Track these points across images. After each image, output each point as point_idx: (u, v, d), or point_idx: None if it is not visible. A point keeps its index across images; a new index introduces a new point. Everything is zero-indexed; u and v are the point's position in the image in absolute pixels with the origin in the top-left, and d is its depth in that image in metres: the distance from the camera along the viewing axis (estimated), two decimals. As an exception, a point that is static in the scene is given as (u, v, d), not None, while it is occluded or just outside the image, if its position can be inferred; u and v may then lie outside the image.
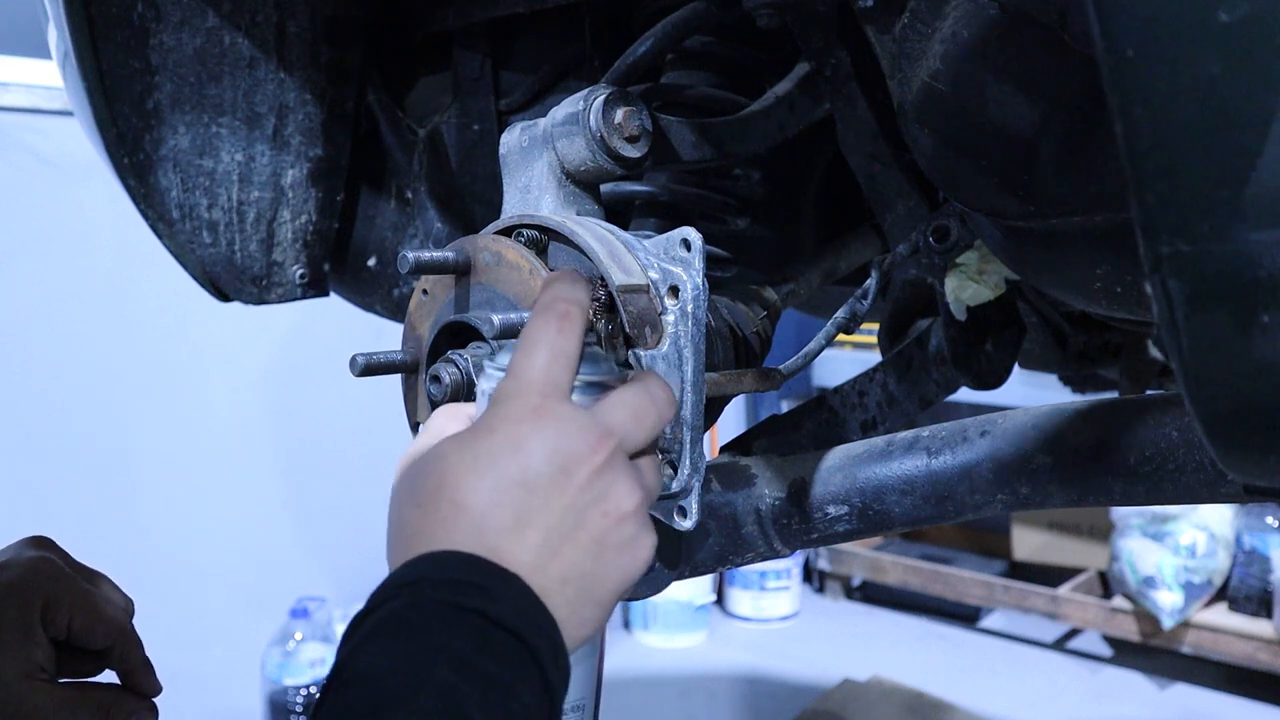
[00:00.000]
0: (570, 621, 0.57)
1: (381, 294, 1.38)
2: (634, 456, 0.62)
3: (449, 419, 0.66)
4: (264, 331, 2.85)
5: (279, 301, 1.29)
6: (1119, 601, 3.42)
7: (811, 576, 4.24)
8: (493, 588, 0.54)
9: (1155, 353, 1.51)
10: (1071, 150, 0.71)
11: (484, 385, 0.65)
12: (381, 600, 0.54)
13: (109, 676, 0.86)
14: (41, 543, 0.84)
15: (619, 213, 1.05)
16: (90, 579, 0.84)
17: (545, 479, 0.57)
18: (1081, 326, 1.34)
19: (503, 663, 0.52)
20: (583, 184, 0.84)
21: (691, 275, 0.72)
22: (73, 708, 0.79)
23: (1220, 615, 3.26)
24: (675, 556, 0.95)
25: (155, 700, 0.86)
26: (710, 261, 1.03)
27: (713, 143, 0.95)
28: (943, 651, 3.63)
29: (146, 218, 1.18)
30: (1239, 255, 0.44)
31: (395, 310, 1.38)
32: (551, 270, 0.73)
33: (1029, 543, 3.90)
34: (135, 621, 0.87)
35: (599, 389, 0.64)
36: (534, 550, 0.56)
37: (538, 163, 0.84)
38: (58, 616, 0.80)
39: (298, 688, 2.81)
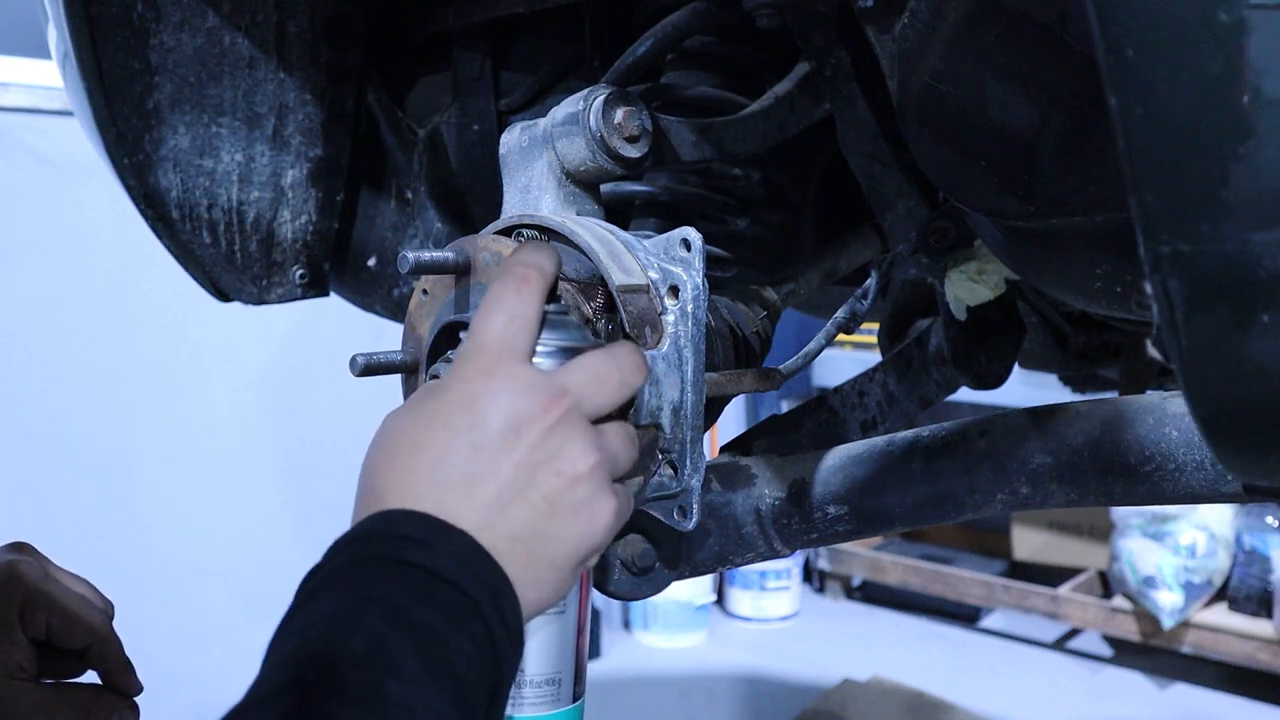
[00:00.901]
0: (523, 580, 0.57)
1: (381, 294, 1.38)
2: (600, 422, 0.62)
3: (425, 392, 0.67)
4: (264, 331, 2.85)
5: (279, 301, 1.29)
6: (1119, 601, 3.42)
7: (811, 576, 4.24)
8: (436, 542, 0.55)
9: (1155, 353, 1.51)
10: (1071, 150, 0.71)
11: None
12: (330, 557, 0.55)
13: (91, 677, 0.86)
14: (20, 547, 0.84)
15: (619, 213, 1.05)
16: (69, 581, 0.85)
17: (496, 437, 0.57)
18: (1081, 326, 1.34)
19: (441, 613, 0.52)
20: (583, 184, 0.84)
21: (691, 275, 0.72)
22: (53, 707, 0.80)
23: (1220, 615, 3.26)
24: (675, 556, 0.95)
25: (136, 699, 0.87)
26: (710, 261, 1.03)
27: (713, 143, 0.95)
28: (943, 651, 3.63)
29: (146, 218, 1.18)
30: (1239, 255, 0.44)
31: (395, 310, 1.38)
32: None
33: (1029, 543, 3.90)
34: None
35: (567, 354, 0.64)
36: (484, 507, 0.57)
37: (538, 163, 0.84)
38: (37, 617, 0.80)
39: (298, 688, 2.81)
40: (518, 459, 0.58)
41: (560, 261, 0.67)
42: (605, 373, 0.62)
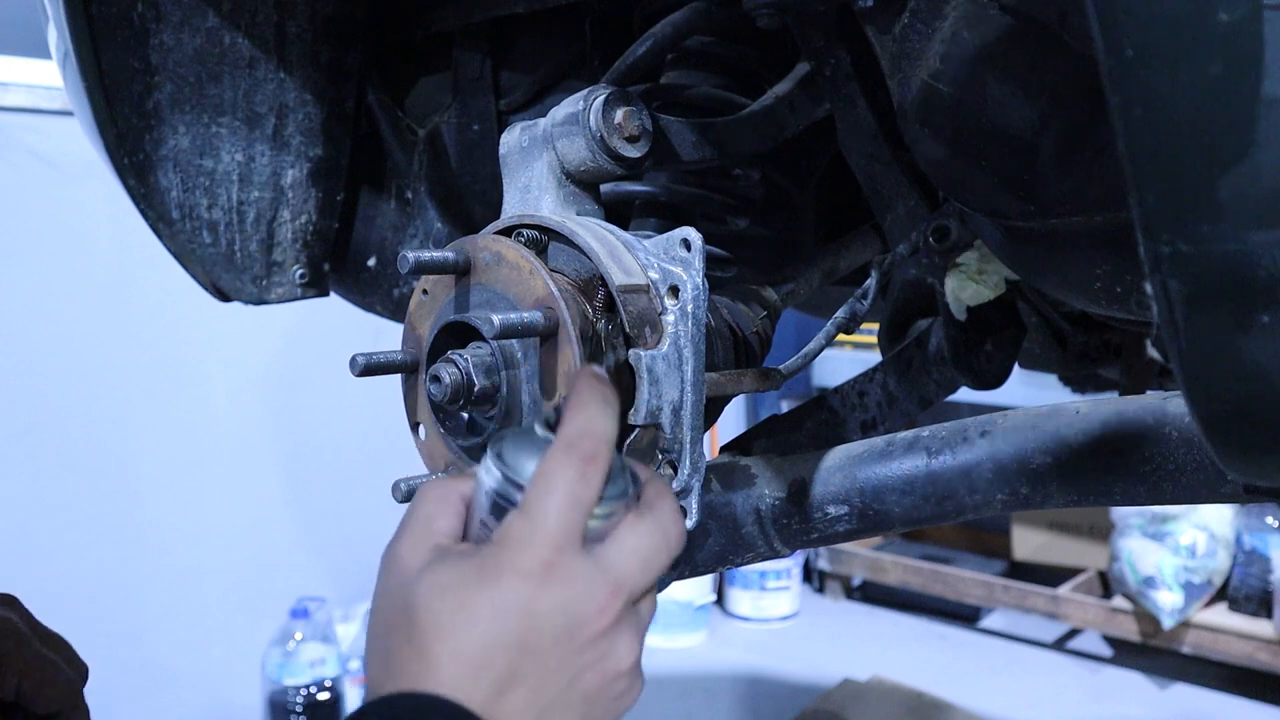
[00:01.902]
0: None
1: (381, 294, 1.38)
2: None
3: (441, 504, 0.62)
4: (264, 331, 2.85)
5: (279, 301, 1.29)
6: (1119, 601, 3.42)
7: (811, 576, 4.24)
8: None
9: (1155, 353, 1.51)
10: (1071, 150, 0.71)
11: (486, 480, 0.60)
12: None
13: None
14: (5, 601, 0.84)
15: (619, 213, 1.05)
16: (48, 642, 0.84)
17: (548, 640, 0.56)
18: (1081, 326, 1.34)
19: None
20: (583, 184, 0.84)
21: (691, 275, 0.72)
22: None
23: (1220, 615, 3.26)
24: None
25: None
26: (710, 261, 1.03)
27: (713, 143, 0.95)
28: (943, 651, 3.63)
29: (146, 218, 1.18)
30: (1239, 255, 0.44)
31: (395, 310, 1.38)
32: (552, 270, 0.73)
33: (1029, 543, 3.90)
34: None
35: (609, 516, 0.60)
36: (522, 707, 0.56)
37: (538, 163, 0.84)
38: (8, 678, 0.80)
39: (298, 688, 2.81)
40: (566, 660, 0.56)
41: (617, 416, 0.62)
42: (655, 554, 0.60)
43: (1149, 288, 0.47)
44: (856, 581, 4.16)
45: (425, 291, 0.78)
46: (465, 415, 0.77)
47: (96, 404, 2.68)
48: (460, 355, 0.73)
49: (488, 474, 0.60)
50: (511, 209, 0.85)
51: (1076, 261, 0.79)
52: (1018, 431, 0.85)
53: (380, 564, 0.62)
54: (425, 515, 0.61)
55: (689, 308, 0.71)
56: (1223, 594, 3.33)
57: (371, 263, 1.35)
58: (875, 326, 1.20)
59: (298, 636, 2.85)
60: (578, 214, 0.83)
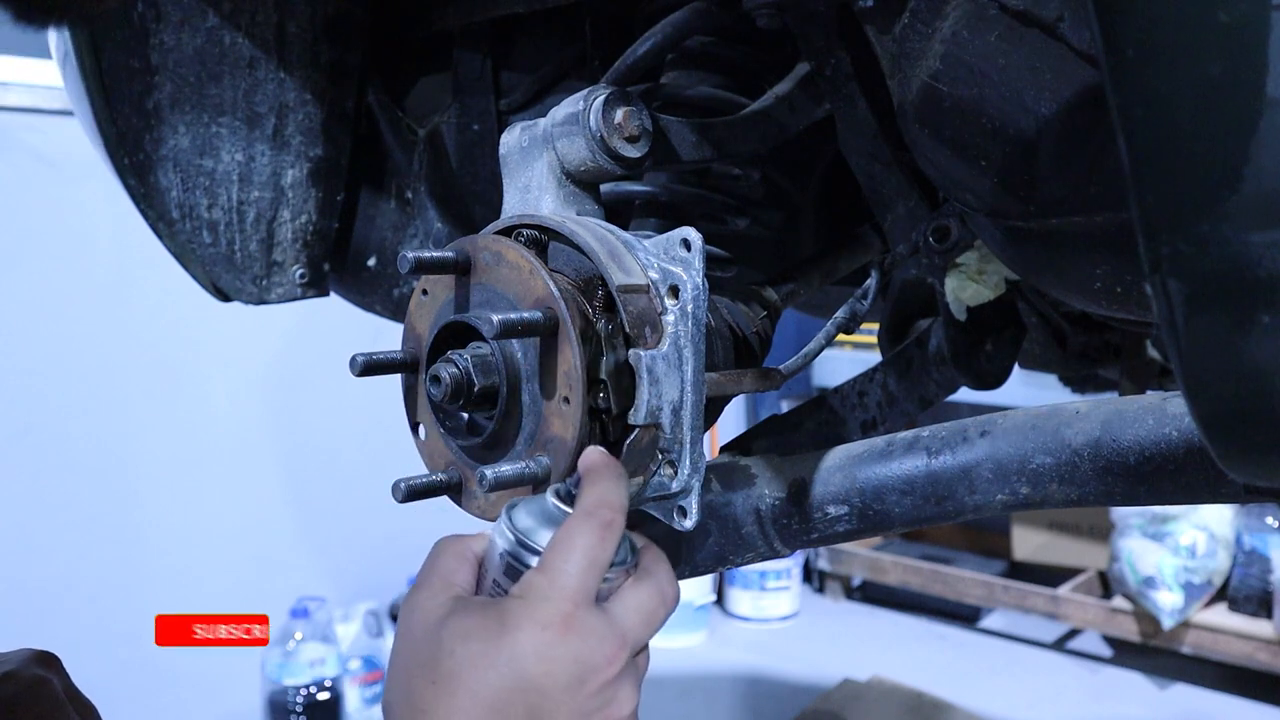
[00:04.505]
0: None
1: (381, 294, 1.38)
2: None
3: (458, 559, 0.68)
4: (264, 331, 2.86)
5: (279, 301, 1.29)
6: (1119, 601, 3.42)
7: (811, 576, 4.24)
8: None
9: (1155, 353, 1.52)
10: (1071, 150, 0.71)
11: (500, 542, 0.67)
12: None
13: None
14: (47, 661, 0.84)
15: (619, 213, 1.05)
16: (82, 711, 0.85)
17: (561, 686, 0.61)
18: (1081, 326, 1.34)
19: None
20: (583, 184, 0.84)
21: (691, 275, 0.72)
22: None
23: (1220, 615, 3.26)
24: (675, 556, 0.95)
25: None
26: (710, 261, 1.03)
27: (713, 143, 0.94)
28: (943, 651, 3.63)
29: (146, 218, 1.18)
30: (1239, 255, 0.44)
31: (395, 310, 1.38)
32: (552, 270, 0.73)
33: (1029, 543, 3.90)
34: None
35: (612, 578, 0.67)
36: None
37: (538, 163, 0.84)
38: None
39: (298, 688, 2.81)
40: (578, 705, 0.61)
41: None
42: (655, 612, 0.68)
43: (1149, 288, 0.47)
44: (856, 581, 4.16)
45: (425, 291, 0.78)
46: (465, 415, 0.77)
47: (96, 404, 2.68)
48: (460, 355, 0.73)
49: (502, 537, 0.67)
50: (511, 209, 0.85)
51: (1076, 261, 0.79)
52: (1018, 431, 0.85)
53: (400, 611, 0.67)
54: (444, 569, 0.67)
55: (689, 308, 0.71)
56: (1223, 594, 3.33)
57: (371, 263, 1.35)
58: (875, 326, 1.20)
59: (298, 636, 2.85)
60: (578, 214, 0.83)
